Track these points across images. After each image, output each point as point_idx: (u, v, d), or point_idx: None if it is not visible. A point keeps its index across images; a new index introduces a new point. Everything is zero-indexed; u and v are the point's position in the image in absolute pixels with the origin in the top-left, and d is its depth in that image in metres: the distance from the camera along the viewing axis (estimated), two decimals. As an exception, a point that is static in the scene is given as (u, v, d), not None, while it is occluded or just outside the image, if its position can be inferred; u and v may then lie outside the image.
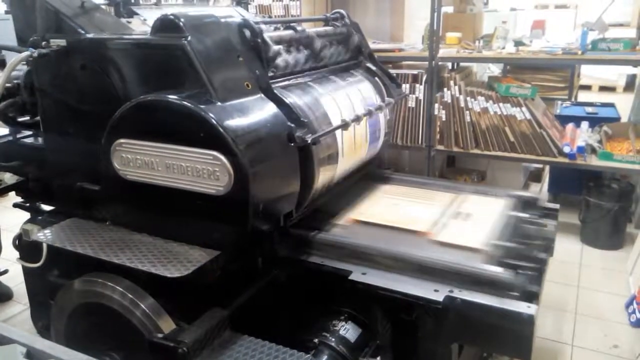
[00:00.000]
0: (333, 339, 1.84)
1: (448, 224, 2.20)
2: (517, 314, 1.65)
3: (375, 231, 2.18)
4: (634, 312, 2.93)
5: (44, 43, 2.00)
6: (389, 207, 2.39)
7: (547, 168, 4.66)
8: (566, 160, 3.65)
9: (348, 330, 1.89)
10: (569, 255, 3.66)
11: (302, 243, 2.05)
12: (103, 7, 2.25)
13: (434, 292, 1.75)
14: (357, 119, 2.16)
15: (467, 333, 1.80)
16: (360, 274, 1.87)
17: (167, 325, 1.88)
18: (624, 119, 4.42)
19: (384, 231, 2.17)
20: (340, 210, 2.34)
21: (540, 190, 4.62)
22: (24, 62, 2.09)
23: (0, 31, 2.77)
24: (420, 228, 2.14)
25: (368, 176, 2.72)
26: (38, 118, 2.22)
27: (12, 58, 2.03)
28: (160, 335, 1.80)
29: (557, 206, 2.44)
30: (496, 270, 1.80)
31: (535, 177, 4.91)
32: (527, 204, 2.44)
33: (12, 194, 2.60)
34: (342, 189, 2.44)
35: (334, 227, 2.20)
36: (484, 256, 1.93)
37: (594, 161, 3.64)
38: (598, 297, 3.21)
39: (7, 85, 2.13)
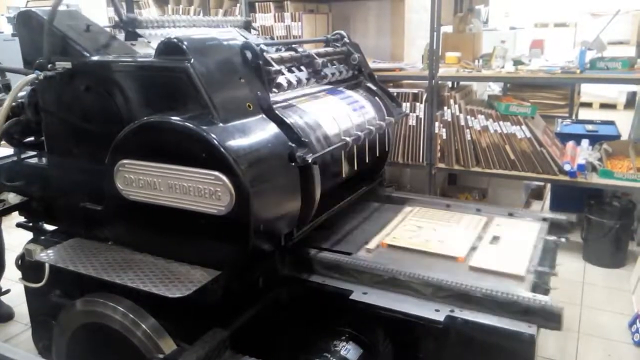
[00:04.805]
0: (334, 360, 1.83)
1: (481, 249, 2.15)
2: (518, 333, 1.65)
3: (410, 256, 2.12)
4: (637, 331, 2.91)
5: (49, 65, 2.03)
6: (416, 230, 2.34)
7: (549, 186, 4.67)
8: (567, 178, 3.66)
9: (349, 351, 1.88)
10: (572, 274, 3.64)
11: (334, 268, 2.02)
12: (108, 29, 2.29)
13: (434, 311, 1.76)
14: (358, 139, 2.18)
15: (469, 353, 1.79)
16: (361, 294, 1.88)
17: (168, 345, 1.88)
18: (625, 136, 4.44)
19: (417, 256, 2.12)
20: (366, 233, 2.33)
21: (542, 208, 4.61)
22: (30, 84, 2.12)
23: (7, 52, 2.83)
24: (455, 253, 2.09)
25: (381, 197, 2.72)
26: (42, 138, 2.25)
27: (17, 81, 2.06)
28: (161, 356, 1.81)
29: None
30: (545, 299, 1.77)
31: (537, 194, 4.92)
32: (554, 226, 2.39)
33: (16, 213, 2.61)
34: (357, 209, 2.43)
35: (363, 251, 2.16)
36: (526, 283, 1.90)
37: (595, 179, 3.64)
38: (601, 316, 3.19)
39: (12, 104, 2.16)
